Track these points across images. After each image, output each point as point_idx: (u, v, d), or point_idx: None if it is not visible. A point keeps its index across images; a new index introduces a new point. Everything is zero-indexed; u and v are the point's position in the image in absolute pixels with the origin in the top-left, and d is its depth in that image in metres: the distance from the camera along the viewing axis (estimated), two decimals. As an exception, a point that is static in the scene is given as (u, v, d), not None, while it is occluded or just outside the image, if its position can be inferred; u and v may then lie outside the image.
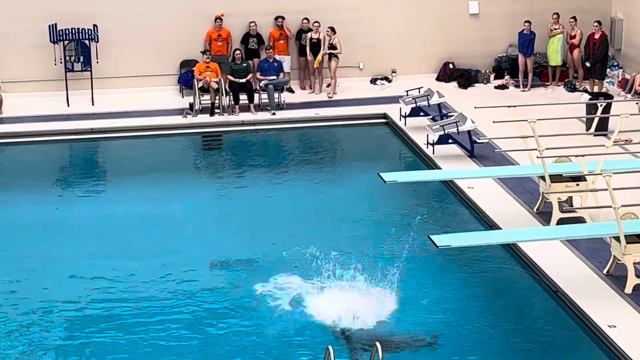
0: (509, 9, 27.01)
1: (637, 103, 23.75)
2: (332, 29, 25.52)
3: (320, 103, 25.40)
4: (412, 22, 26.80)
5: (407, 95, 24.11)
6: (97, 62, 25.43)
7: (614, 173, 16.07)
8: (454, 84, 26.70)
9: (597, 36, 25.11)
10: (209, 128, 24.24)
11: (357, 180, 21.16)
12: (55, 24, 25.06)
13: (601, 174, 16.43)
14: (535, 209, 18.73)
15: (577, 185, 18.18)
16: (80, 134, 23.77)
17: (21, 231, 18.90)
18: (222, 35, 25.73)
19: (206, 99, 24.62)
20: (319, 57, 25.60)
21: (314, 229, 18.39)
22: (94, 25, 25.26)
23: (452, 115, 22.71)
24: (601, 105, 20.78)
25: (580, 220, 17.82)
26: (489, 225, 18.34)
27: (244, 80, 24.76)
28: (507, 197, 19.48)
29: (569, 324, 15.35)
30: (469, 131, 21.59)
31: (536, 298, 16.35)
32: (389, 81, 26.83)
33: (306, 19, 25.94)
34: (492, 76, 27.04)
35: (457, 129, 21.58)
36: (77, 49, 25.31)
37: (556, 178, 18.18)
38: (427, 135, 21.89)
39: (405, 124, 23.59)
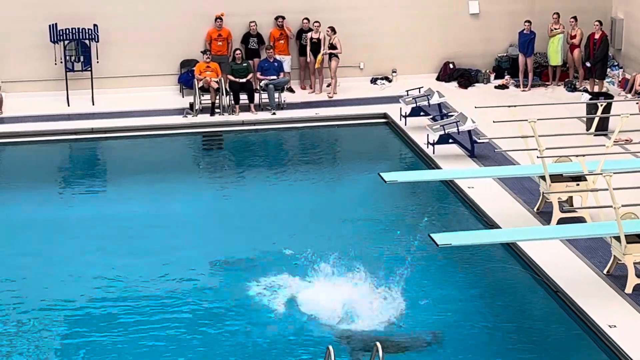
0: (509, 8, 27.01)
1: (637, 103, 23.75)
2: (332, 29, 25.52)
3: (320, 103, 25.40)
4: (412, 22, 26.79)
5: (408, 95, 24.10)
6: (98, 62, 25.43)
7: (614, 173, 16.07)
8: (454, 83, 26.69)
9: (597, 36, 25.11)
10: (209, 128, 24.23)
11: (357, 180, 21.16)
12: (56, 24, 25.06)
13: (601, 174, 16.42)
14: (535, 209, 18.73)
15: (578, 185, 18.18)
16: (81, 134, 23.77)
17: (21, 231, 18.90)
18: (222, 35, 25.73)
19: (206, 99, 24.62)
20: (319, 57, 25.60)
21: (314, 228, 18.39)
22: (95, 25, 25.26)
23: (452, 115, 22.71)
24: (601, 105, 20.78)
25: (580, 220, 17.82)
26: (489, 225, 18.33)
27: (244, 80, 24.76)
28: (507, 197, 19.48)
29: (569, 324, 15.35)
30: (469, 131, 21.59)
31: (536, 298, 16.34)
32: (390, 81, 26.83)
33: (306, 18, 25.94)
34: (492, 76, 27.03)
35: (458, 129, 21.58)
36: (77, 48, 25.30)
37: (556, 178, 18.18)
38: (428, 135, 21.89)
39: (405, 124, 23.58)
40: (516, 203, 19.18)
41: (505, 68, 26.99)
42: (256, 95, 24.89)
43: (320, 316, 15.52)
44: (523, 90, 26.14)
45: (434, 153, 21.65)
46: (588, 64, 25.31)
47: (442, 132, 21.62)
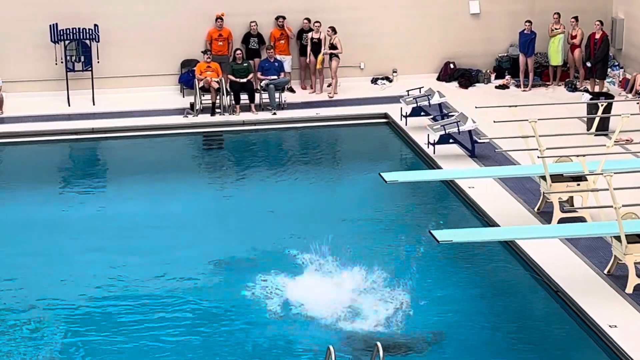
0: (510, 8, 27.00)
1: (637, 103, 23.74)
2: (333, 29, 25.51)
3: (321, 103, 25.40)
4: (412, 21, 26.79)
5: (408, 95, 24.10)
6: (98, 62, 25.43)
7: (614, 173, 16.07)
8: (455, 83, 26.68)
9: (597, 36, 25.10)
10: (210, 128, 24.23)
11: (357, 180, 21.16)
12: (56, 24, 25.05)
13: (602, 174, 16.42)
14: (536, 209, 18.73)
15: (578, 185, 18.18)
16: (81, 134, 23.77)
17: (22, 230, 18.90)
18: (223, 35, 25.72)
19: (207, 99, 24.62)
20: (320, 57, 25.59)
21: (314, 228, 18.38)
22: (95, 25, 25.26)
23: (452, 115, 22.71)
24: (602, 105, 20.78)
25: (581, 220, 17.81)
26: (490, 225, 18.33)
27: (244, 80, 24.76)
28: (507, 197, 19.48)
29: (569, 324, 15.35)
30: (469, 131, 21.59)
31: (537, 298, 16.34)
32: (390, 81, 26.82)
33: (307, 19, 25.94)
34: (492, 76, 27.02)
35: (458, 129, 21.58)
36: (77, 48, 25.29)
37: (557, 178, 18.18)
38: (428, 135, 21.89)
39: (406, 124, 23.58)
40: (517, 203, 19.18)
41: (506, 68, 26.98)
42: (257, 95, 24.89)
43: (320, 316, 15.52)
44: (524, 90, 26.14)
45: (434, 153, 21.64)
46: (588, 64, 25.31)
47: (442, 132, 21.62)
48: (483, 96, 25.36)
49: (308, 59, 25.86)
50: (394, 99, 24.56)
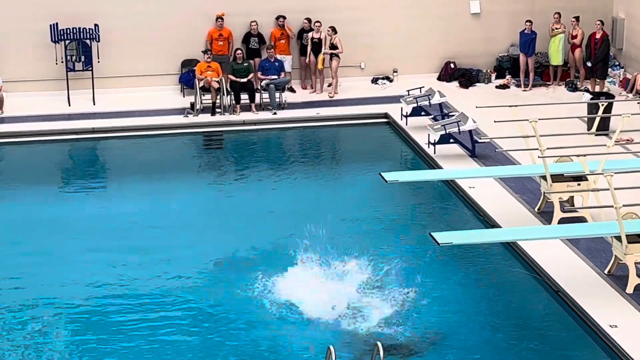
0: (510, 8, 26.99)
1: (638, 103, 23.74)
2: (333, 29, 25.51)
3: (321, 103, 25.39)
4: (413, 21, 26.78)
5: (409, 94, 24.10)
6: (98, 62, 25.42)
7: (615, 173, 16.08)
8: (455, 83, 26.68)
9: (598, 36, 25.10)
10: (210, 128, 24.22)
11: (358, 180, 21.15)
12: (57, 24, 25.05)
13: (602, 174, 16.42)
14: (536, 209, 18.72)
15: (579, 185, 18.17)
16: (82, 134, 23.76)
17: (22, 230, 18.90)
18: (223, 34, 25.72)
19: (207, 99, 24.62)
20: (321, 57, 25.59)
21: (315, 228, 18.36)
22: (95, 25, 25.25)
23: (453, 115, 22.70)
24: (602, 105, 20.78)
25: (581, 220, 17.81)
26: (490, 225, 18.32)
27: (245, 79, 24.76)
28: (508, 197, 19.47)
29: (570, 324, 15.35)
30: (470, 131, 21.58)
31: (537, 298, 16.33)
32: (391, 81, 26.81)
33: (307, 19, 25.93)
34: (493, 76, 27.02)
35: (459, 129, 21.57)
36: (78, 48, 25.29)
37: (557, 178, 18.18)
38: (429, 134, 21.88)
39: (406, 124, 23.57)
40: (517, 203, 19.18)
41: (506, 68, 26.98)
42: (257, 95, 24.88)
43: (320, 316, 15.51)
44: (524, 90, 26.13)
45: (435, 153, 21.64)
46: (589, 64, 25.30)
47: (443, 132, 21.61)
48: (483, 96, 25.35)
49: (308, 59, 25.86)
50: (395, 99, 24.56)
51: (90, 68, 25.26)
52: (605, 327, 14.71)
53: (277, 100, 24.81)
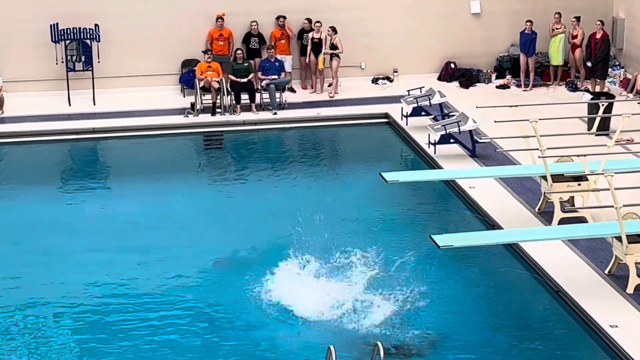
0: (511, 8, 26.99)
1: (638, 103, 23.74)
2: (333, 29, 25.50)
3: (321, 103, 25.39)
4: (413, 21, 26.78)
5: (409, 94, 24.09)
6: (99, 62, 25.42)
7: (615, 173, 16.07)
8: (456, 83, 26.68)
9: (598, 36, 25.09)
10: (211, 128, 24.22)
11: (358, 180, 21.15)
12: (57, 24, 25.05)
13: (603, 174, 16.41)
14: (536, 209, 18.72)
15: (579, 185, 18.17)
16: (82, 134, 23.76)
17: (22, 230, 18.90)
18: (223, 34, 25.71)
19: (207, 99, 24.61)
20: (321, 57, 25.58)
21: (315, 228, 18.36)
22: (96, 25, 25.25)
23: (453, 115, 22.69)
24: (603, 105, 20.77)
25: (581, 220, 17.80)
26: (491, 225, 18.32)
27: (245, 79, 24.75)
28: (508, 197, 19.46)
29: (570, 324, 15.34)
30: (470, 131, 21.58)
31: (538, 298, 16.33)
32: (391, 81, 26.81)
33: (308, 19, 25.93)
34: (493, 76, 27.01)
35: (459, 129, 21.57)
36: (78, 48, 25.28)
37: (558, 178, 18.17)
38: (429, 134, 21.87)
39: (406, 124, 23.57)
40: (517, 203, 19.17)
41: (507, 68, 26.97)
42: (257, 95, 24.88)
43: (321, 316, 15.51)
44: (524, 90, 26.13)
45: (435, 153, 21.63)
46: (589, 64, 25.30)
47: (443, 132, 21.60)
48: (484, 96, 25.35)
49: (308, 59, 25.85)
50: (395, 99, 24.56)
51: (91, 68, 25.26)
52: (606, 327, 14.70)
53: (278, 100, 24.80)
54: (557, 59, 26.14)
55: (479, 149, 21.60)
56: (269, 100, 24.78)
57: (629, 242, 15.70)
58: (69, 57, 25.17)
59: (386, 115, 24.53)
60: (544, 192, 18.46)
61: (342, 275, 16.52)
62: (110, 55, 25.49)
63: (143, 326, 15.46)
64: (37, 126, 23.80)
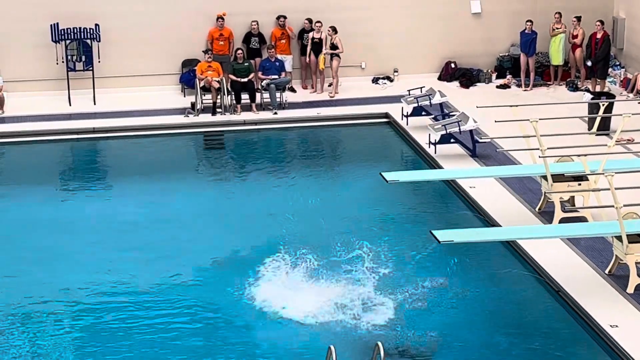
0: (511, 8, 26.98)
1: (639, 102, 23.73)
2: (334, 29, 25.49)
3: (322, 102, 25.38)
4: (413, 21, 26.77)
5: (409, 94, 24.08)
6: (99, 62, 25.42)
7: (616, 173, 16.06)
8: (456, 83, 26.66)
9: (599, 35, 25.08)
10: (211, 127, 24.22)
11: (358, 180, 21.14)
12: (57, 24, 25.04)
13: (603, 174, 16.41)
14: (537, 209, 18.71)
15: (579, 184, 18.16)
16: (82, 134, 23.76)
17: (22, 230, 18.89)
18: (224, 34, 25.71)
19: (208, 99, 24.60)
20: (321, 56, 25.57)
21: (315, 228, 18.38)
22: (96, 25, 25.25)
23: (454, 115, 22.68)
24: (603, 105, 20.77)
25: (582, 219, 17.79)
26: (491, 224, 18.31)
27: (245, 79, 24.74)
28: (509, 197, 19.46)
29: (570, 324, 15.34)
30: (470, 131, 21.57)
31: (538, 298, 16.32)
32: (391, 80, 26.80)
33: (308, 19, 25.92)
34: (494, 75, 27.00)
35: (459, 129, 21.55)
36: (78, 48, 25.28)
37: (558, 178, 18.16)
38: (429, 134, 21.86)
39: (407, 124, 23.56)
40: (518, 203, 19.16)
41: (507, 68, 26.96)
42: (257, 95, 24.87)
43: (321, 316, 15.50)
44: (525, 90, 26.11)
45: (435, 153, 21.62)
46: (589, 64, 25.29)
47: (443, 132, 21.59)
48: (484, 96, 25.34)
49: (308, 59, 25.84)
50: (395, 99, 24.55)
51: (91, 68, 25.26)
52: (606, 327, 14.69)
53: (278, 100, 24.80)
54: (557, 58, 26.13)
55: (479, 149, 21.59)
56: (269, 100, 24.77)
57: (629, 242, 15.69)
58: (69, 57, 25.17)
59: (386, 115, 24.52)
60: (545, 192, 18.45)
61: (342, 275, 16.51)
62: (110, 55, 25.49)
63: (143, 326, 15.45)
64: (37, 126, 23.79)
